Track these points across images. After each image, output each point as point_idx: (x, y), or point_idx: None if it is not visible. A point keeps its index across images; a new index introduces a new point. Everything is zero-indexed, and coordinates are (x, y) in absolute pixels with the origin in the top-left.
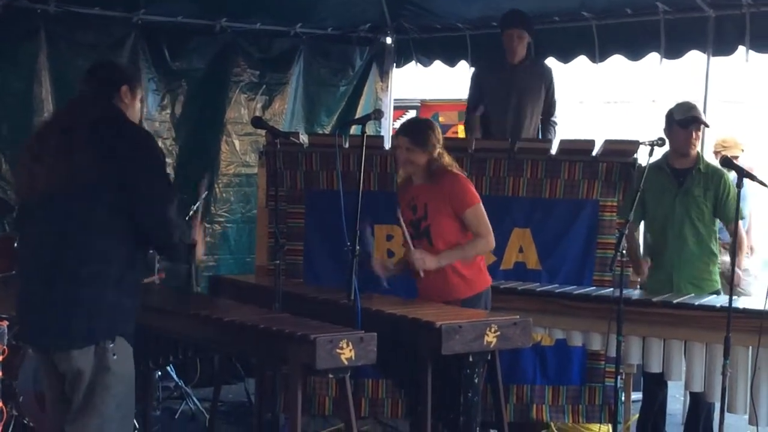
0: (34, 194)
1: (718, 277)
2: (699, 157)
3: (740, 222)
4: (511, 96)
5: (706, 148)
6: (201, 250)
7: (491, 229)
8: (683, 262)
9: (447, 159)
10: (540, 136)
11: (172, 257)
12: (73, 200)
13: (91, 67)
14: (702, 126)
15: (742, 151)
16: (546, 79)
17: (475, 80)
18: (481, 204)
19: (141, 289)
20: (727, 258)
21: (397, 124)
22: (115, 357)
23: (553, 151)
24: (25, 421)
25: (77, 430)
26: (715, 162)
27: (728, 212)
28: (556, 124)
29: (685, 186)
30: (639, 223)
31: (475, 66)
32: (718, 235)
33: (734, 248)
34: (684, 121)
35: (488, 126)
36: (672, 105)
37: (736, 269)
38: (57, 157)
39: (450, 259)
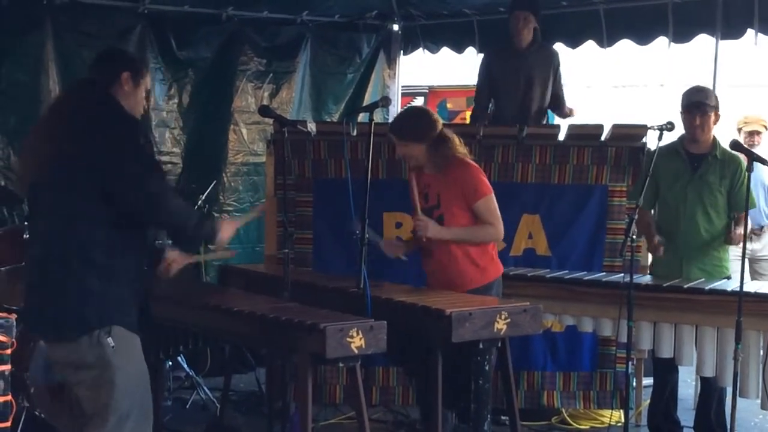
0: (27, 183)
1: (728, 264)
2: (715, 143)
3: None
4: (520, 82)
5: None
6: (224, 239)
7: (501, 220)
8: (693, 248)
9: (455, 142)
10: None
11: (181, 240)
12: (53, 188)
13: (99, 53)
14: (710, 111)
15: (766, 128)
16: (554, 63)
17: (485, 68)
18: (493, 195)
19: (140, 277)
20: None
21: None
22: (114, 349)
23: (562, 136)
24: (37, 413)
25: (95, 428)
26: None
27: (741, 200)
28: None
29: (699, 171)
30: (652, 206)
31: (484, 53)
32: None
33: (745, 234)
34: (686, 106)
35: (496, 113)
36: (680, 89)
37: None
38: (38, 146)
39: (455, 235)
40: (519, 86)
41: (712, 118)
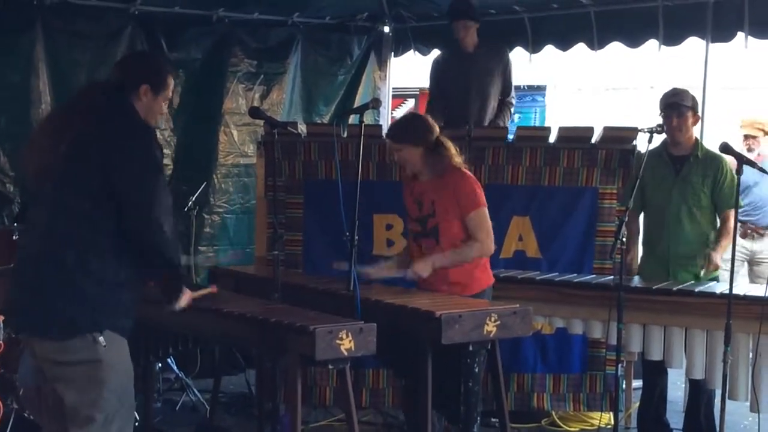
0: (31, 181)
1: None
2: (697, 144)
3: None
4: (470, 83)
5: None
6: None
7: (492, 234)
8: (680, 250)
9: (452, 150)
10: (495, 118)
11: (153, 262)
12: (57, 188)
13: (124, 56)
14: (687, 111)
15: (765, 132)
16: (503, 60)
17: (433, 73)
18: (486, 208)
19: (136, 285)
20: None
21: (396, 113)
22: (105, 347)
23: (552, 138)
24: (26, 414)
25: (81, 427)
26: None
27: (723, 198)
28: (511, 104)
29: (682, 173)
30: (640, 211)
31: (435, 58)
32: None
33: (734, 235)
34: (663, 108)
35: (451, 115)
36: None
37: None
38: (46, 144)
39: (444, 263)
40: (470, 88)
41: (690, 119)
